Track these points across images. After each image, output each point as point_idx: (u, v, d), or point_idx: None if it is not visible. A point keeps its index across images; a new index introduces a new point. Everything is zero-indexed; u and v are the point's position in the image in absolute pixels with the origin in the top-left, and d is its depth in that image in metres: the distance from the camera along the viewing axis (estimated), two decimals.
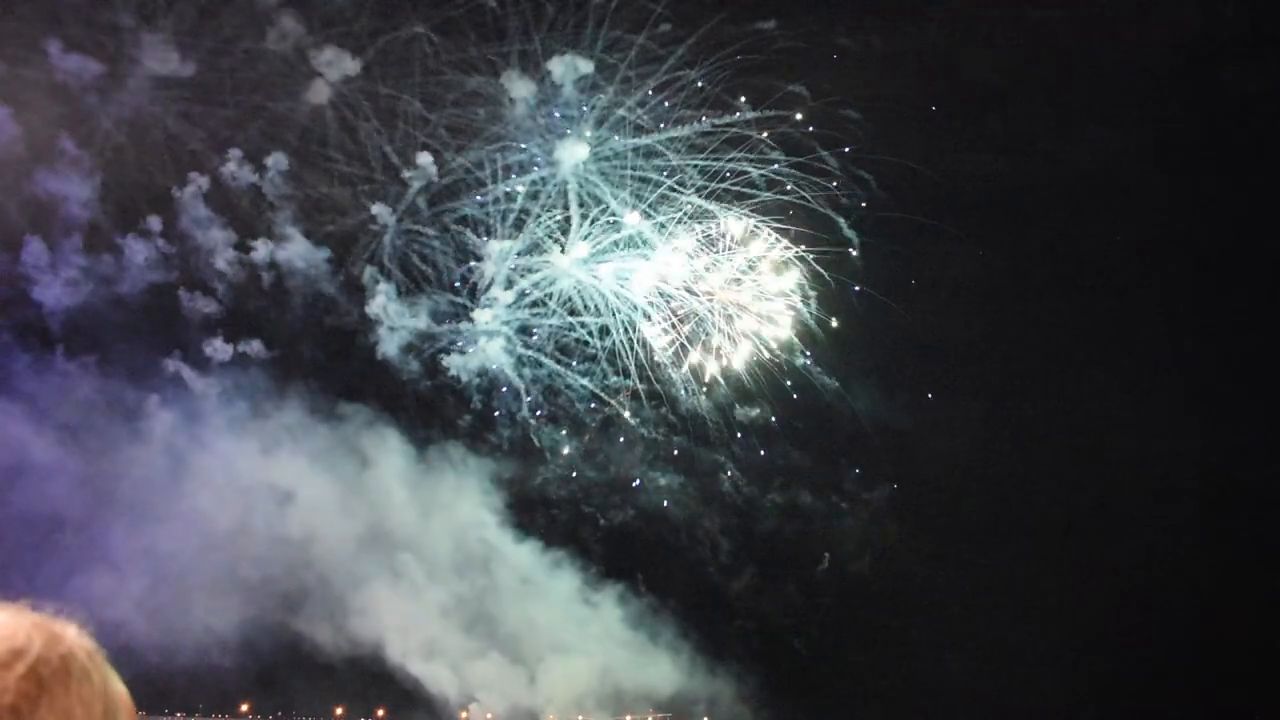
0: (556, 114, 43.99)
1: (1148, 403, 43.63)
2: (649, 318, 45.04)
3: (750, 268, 44.71)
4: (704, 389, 45.17)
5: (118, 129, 42.67)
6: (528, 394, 45.54)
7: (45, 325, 42.68)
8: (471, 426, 45.74)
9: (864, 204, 43.56)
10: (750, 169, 43.95)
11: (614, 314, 45.22)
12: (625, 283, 45.10)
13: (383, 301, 45.02)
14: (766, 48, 43.04)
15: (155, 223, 43.59)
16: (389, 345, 45.14)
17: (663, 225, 44.71)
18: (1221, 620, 42.55)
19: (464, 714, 44.13)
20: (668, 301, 45.16)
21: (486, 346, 45.43)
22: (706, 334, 45.10)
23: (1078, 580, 43.72)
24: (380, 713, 45.60)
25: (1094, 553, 44.28)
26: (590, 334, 45.42)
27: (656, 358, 45.14)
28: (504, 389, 45.61)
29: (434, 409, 45.84)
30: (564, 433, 45.96)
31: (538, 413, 45.70)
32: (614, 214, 44.59)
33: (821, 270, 44.35)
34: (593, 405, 45.70)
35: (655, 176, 44.25)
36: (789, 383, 45.07)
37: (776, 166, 43.79)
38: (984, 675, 43.71)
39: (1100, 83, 44.06)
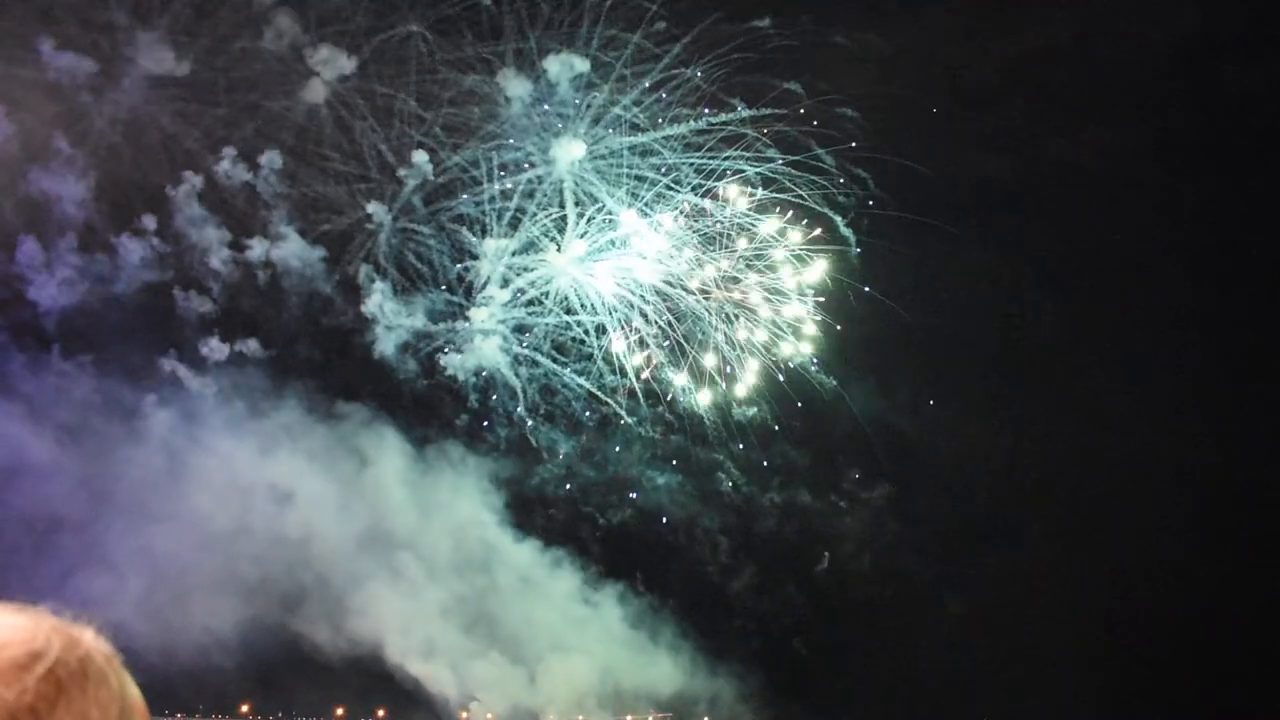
0: (546, 105, 43.83)
1: (1148, 403, 43.68)
2: (629, 323, 44.90)
3: (757, 256, 44.54)
4: (702, 390, 45.19)
5: (112, 128, 42.48)
6: (524, 393, 45.55)
7: (41, 325, 42.60)
8: (469, 426, 45.79)
9: (871, 202, 43.47)
10: (746, 167, 43.89)
11: (610, 312, 45.16)
12: (621, 281, 45.01)
13: (379, 300, 44.94)
14: (762, 46, 42.97)
15: (150, 222, 43.45)
16: (386, 344, 45.09)
17: (659, 223, 44.62)
18: (1222, 620, 42.70)
19: (465, 714, 44.23)
20: (664, 299, 45.08)
21: (483, 345, 45.39)
22: (703, 333, 45.05)
23: (1078, 580, 43.87)
24: (381, 713, 45.66)
25: (1094, 552, 44.39)
26: (586, 332, 45.39)
27: (639, 362, 45.09)
28: (500, 388, 45.61)
29: (432, 408, 45.88)
30: (561, 432, 45.98)
31: (537, 412, 45.70)
32: (610, 212, 44.50)
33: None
34: (590, 406, 45.72)
35: (651, 175, 44.16)
36: (786, 380, 45.11)
37: (773, 165, 43.71)
38: (984, 675, 43.88)
39: (1099, 82, 43.99)
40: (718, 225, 44.27)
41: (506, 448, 45.80)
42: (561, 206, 44.53)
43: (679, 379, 45.19)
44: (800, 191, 43.63)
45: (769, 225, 44.10)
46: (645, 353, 45.03)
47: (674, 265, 44.73)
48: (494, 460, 45.63)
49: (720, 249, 44.60)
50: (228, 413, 44.01)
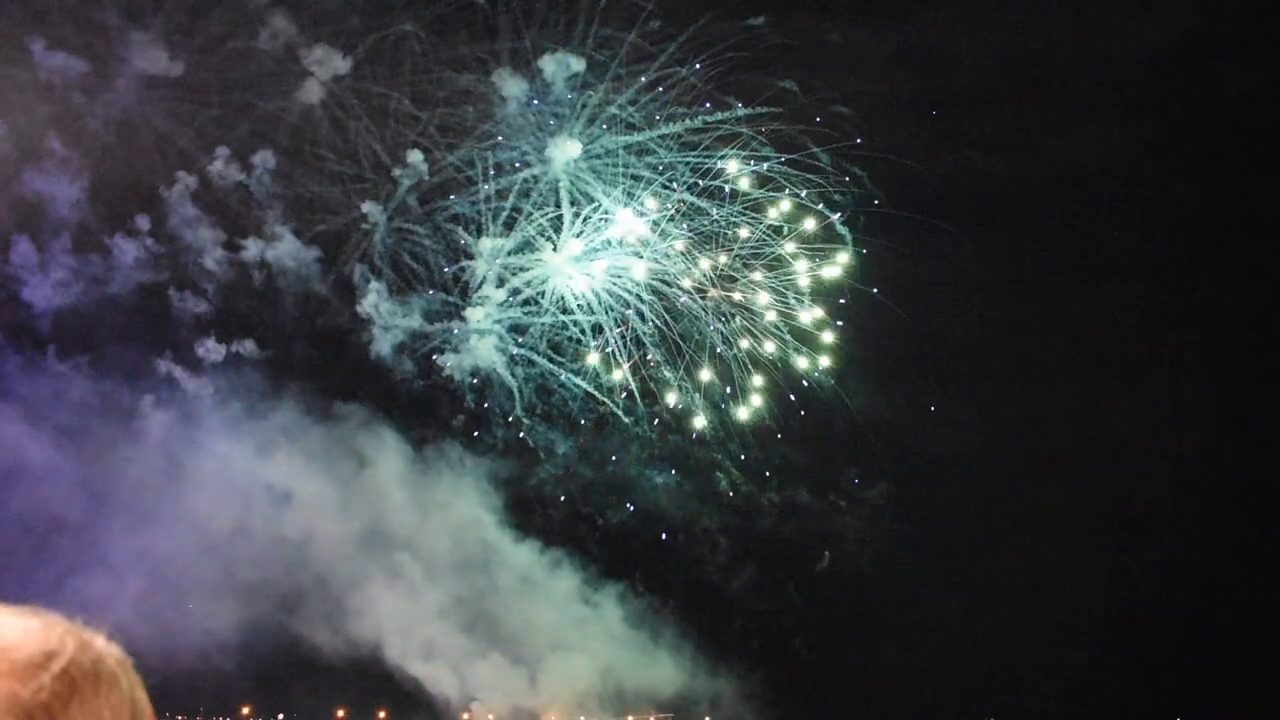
0: (538, 102, 43.65)
1: (1147, 402, 43.71)
2: (624, 322, 44.79)
3: (759, 252, 44.34)
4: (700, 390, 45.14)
5: (105, 128, 42.29)
6: (520, 393, 45.48)
7: (36, 326, 42.49)
8: (467, 426, 45.75)
9: (875, 201, 43.32)
10: (742, 166, 43.74)
11: (606, 311, 45.06)
12: (616, 280, 44.91)
13: (374, 300, 44.82)
14: (757, 44, 42.82)
15: (144, 222, 43.27)
16: (382, 344, 44.97)
17: (656, 222, 44.51)
18: (1222, 620, 42.85)
19: (465, 715, 44.29)
20: (660, 299, 44.98)
21: (479, 345, 45.31)
22: (700, 334, 44.95)
23: (1078, 580, 43.94)
24: (382, 714, 45.75)
25: (1094, 552, 44.47)
26: (583, 332, 45.31)
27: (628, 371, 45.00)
28: (497, 388, 45.55)
29: (429, 408, 45.81)
30: (559, 432, 45.92)
31: (534, 412, 45.64)
32: (606, 211, 44.38)
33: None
34: (587, 405, 45.65)
35: (647, 174, 44.03)
36: (784, 379, 45.08)
37: (770, 165, 43.58)
38: (984, 675, 44.01)
39: (1098, 81, 43.90)
40: (718, 214, 44.11)
41: (504, 448, 45.80)
42: (557, 206, 44.46)
43: (672, 397, 45.19)
44: (796, 190, 43.56)
45: (779, 208, 43.86)
46: (640, 353, 44.95)
47: (670, 265, 44.65)
48: (492, 460, 45.62)
49: (717, 247, 44.53)
50: (225, 413, 43.93)
